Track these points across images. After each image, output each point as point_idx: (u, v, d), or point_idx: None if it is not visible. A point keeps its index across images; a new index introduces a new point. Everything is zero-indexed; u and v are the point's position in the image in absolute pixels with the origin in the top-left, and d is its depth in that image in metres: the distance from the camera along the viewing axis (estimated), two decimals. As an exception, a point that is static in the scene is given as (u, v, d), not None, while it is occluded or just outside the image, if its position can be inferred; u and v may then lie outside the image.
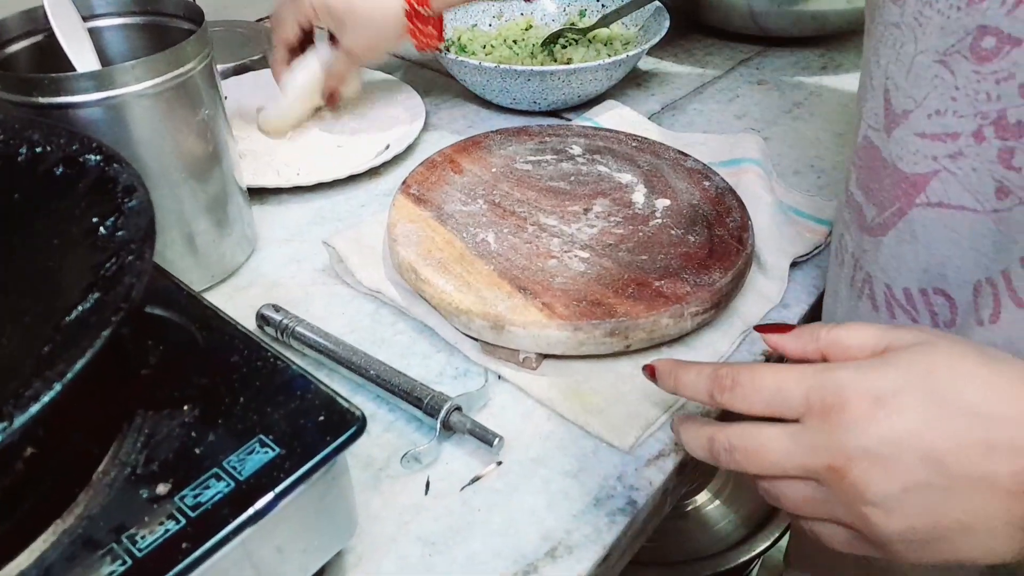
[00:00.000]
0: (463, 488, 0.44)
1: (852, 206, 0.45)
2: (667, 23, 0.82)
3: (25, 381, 0.26)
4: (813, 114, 0.80)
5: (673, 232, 0.56)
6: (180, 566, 0.29)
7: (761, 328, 0.39)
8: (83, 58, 0.53)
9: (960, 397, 0.31)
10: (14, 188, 0.38)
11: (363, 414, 0.34)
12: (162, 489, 0.31)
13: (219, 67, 0.79)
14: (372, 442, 0.46)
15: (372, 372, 0.48)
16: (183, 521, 0.30)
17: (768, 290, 0.56)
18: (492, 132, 0.68)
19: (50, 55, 0.53)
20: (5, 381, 0.27)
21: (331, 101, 0.76)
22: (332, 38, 0.73)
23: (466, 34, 0.88)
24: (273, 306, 0.53)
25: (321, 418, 0.34)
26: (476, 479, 0.44)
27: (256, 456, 0.32)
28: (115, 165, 0.37)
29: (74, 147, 0.38)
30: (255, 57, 0.85)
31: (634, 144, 0.66)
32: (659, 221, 0.57)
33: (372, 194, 0.69)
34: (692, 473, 0.47)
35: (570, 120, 0.78)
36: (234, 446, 0.33)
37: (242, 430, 0.33)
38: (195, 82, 0.52)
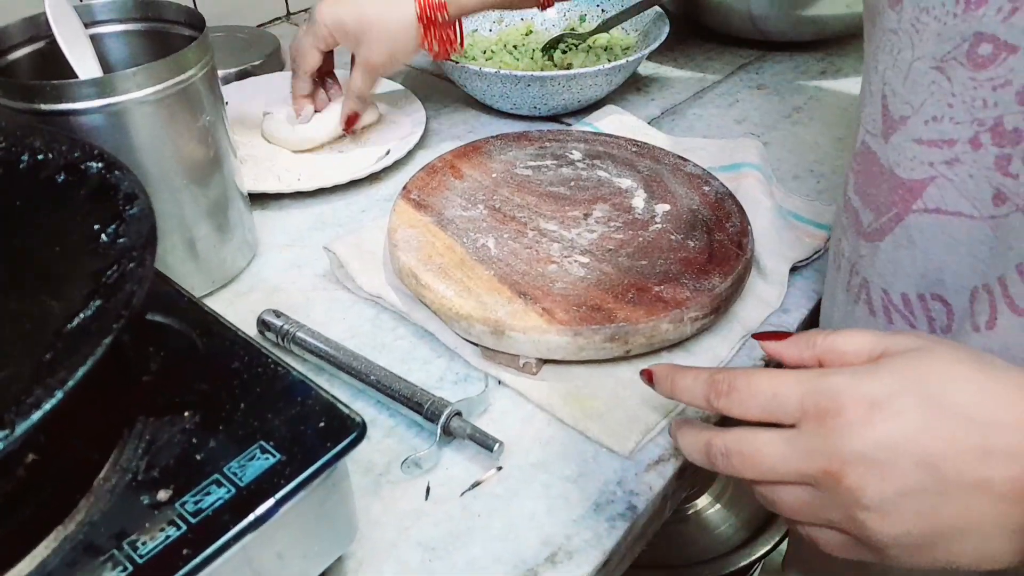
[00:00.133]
0: (463, 493, 0.44)
1: (849, 211, 0.45)
2: (667, 28, 0.82)
3: (27, 388, 0.26)
4: (813, 119, 0.80)
5: (673, 237, 0.56)
6: (181, 572, 0.29)
7: (759, 336, 0.39)
8: (85, 65, 0.53)
9: (956, 402, 0.31)
10: (15, 195, 0.38)
11: (363, 420, 0.35)
12: (163, 495, 0.31)
13: (220, 72, 0.79)
14: (372, 447, 0.46)
15: (372, 377, 0.48)
16: (184, 527, 0.30)
17: (768, 295, 0.56)
18: (492, 137, 0.68)
19: (52, 62, 0.53)
20: (7, 388, 0.27)
21: (350, 125, 0.74)
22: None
23: (466, 40, 0.88)
24: (274, 311, 0.53)
25: (321, 424, 0.34)
26: (476, 484, 0.44)
27: (257, 462, 0.32)
28: (116, 172, 0.37)
29: (75, 154, 0.38)
30: (256, 62, 0.86)
31: (634, 149, 0.67)
32: (659, 226, 0.57)
33: (373, 199, 0.69)
34: (692, 478, 0.47)
35: (570, 125, 0.79)
36: (235, 452, 0.33)
37: (243, 436, 0.33)
38: (196, 88, 0.52)
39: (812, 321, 0.57)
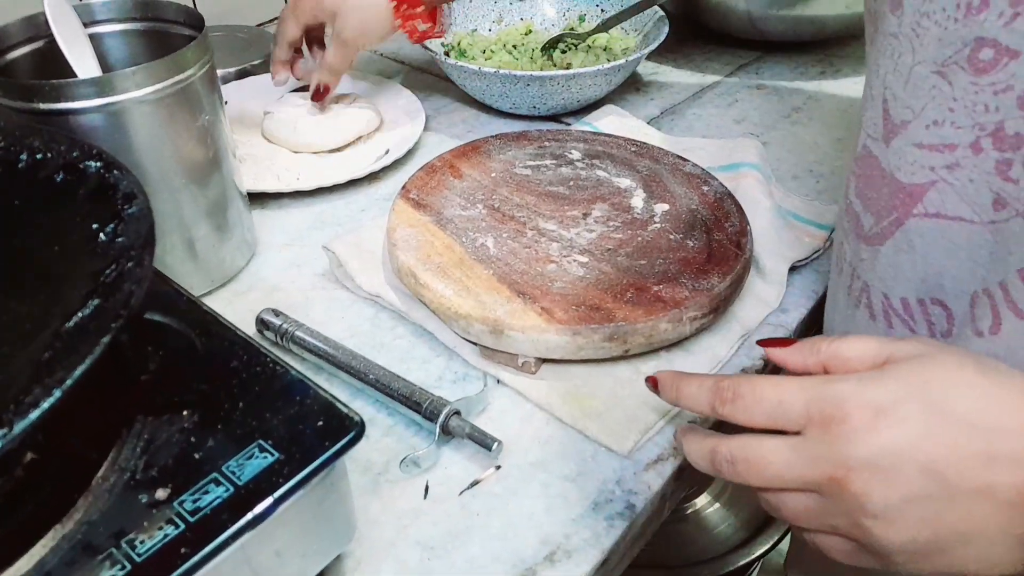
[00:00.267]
0: (462, 492, 0.44)
1: (851, 215, 0.45)
2: (666, 28, 0.82)
3: (25, 387, 0.26)
4: (812, 119, 0.80)
5: (672, 237, 0.56)
6: (179, 571, 0.29)
7: (763, 342, 0.39)
8: (84, 64, 0.53)
9: (960, 408, 0.31)
10: (14, 194, 0.38)
11: (362, 419, 0.35)
12: (161, 494, 0.31)
13: (220, 72, 0.79)
14: (371, 446, 0.46)
15: (371, 376, 0.48)
16: (182, 526, 0.30)
17: (767, 295, 0.56)
18: (491, 137, 0.68)
19: (51, 61, 0.53)
20: (5, 387, 0.27)
21: (318, 97, 0.74)
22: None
23: (466, 39, 0.89)
24: (273, 311, 0.53)
25: (320, 423, 0.34)
26: (475, 483, 0.44)
27: (255, 461, 0.32)
28: (115, 171, 0.37)
29: (74, 153, 0.38)
30: (256, 62, 0.86)
31: (633, 149, 0.67)
32: (658, 226, 0.57)
33: (372, 199, 0.69)
34: (691, 477, 0.47)
35: (569, 125, 0.79)
36: (233, 451, 0.33)
37: (241, 435, 0.34)
38: (196, 88, 0.52)
39: (811, 321, 0.57)
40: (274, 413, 0.35)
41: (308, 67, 0.76)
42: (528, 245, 0.55)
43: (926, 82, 0.37)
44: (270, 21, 1.05)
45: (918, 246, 0.40)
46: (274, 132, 0.75)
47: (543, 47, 0.87)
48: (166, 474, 0.32)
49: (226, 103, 0.58)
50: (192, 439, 0.33)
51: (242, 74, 0.85)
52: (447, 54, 0.85)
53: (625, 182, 0.62)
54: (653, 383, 0.41)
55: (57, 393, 0.26)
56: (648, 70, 0.91)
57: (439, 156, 0.65)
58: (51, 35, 0.52)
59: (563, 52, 0.86)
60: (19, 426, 0.25)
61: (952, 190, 0.37)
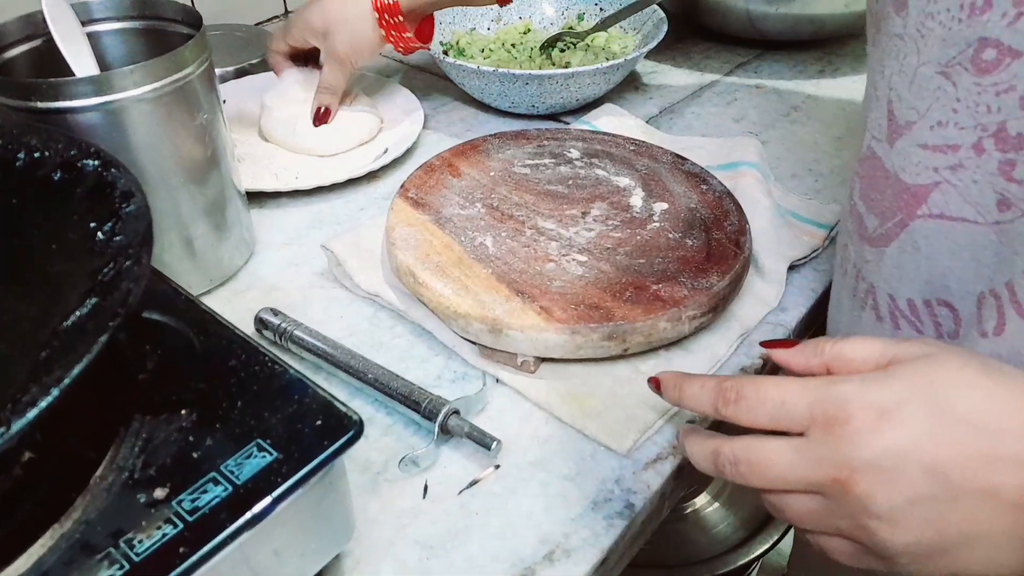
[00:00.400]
0: (461, 492, 0.44)
1: (855, 216, 0.45)
2: (665, 27, 0.82)
3: (23, 386, 0.26)
4: (811, 118, 0.80)
5: (671, 236, 0.56)
6: (178, 570, 0.29)
7: (766, 344, 0.39)
8: (82, 63, 0.53)
9: (964, 409, 0.31)
10: (12, 193, 0.38)
11: (361, 418, 0.35)
12: (160, 493, 0.31)
13: (218, 71, 0.79)
14: (370, 446, 0.46)
15: (370, 376, 0.48)
16: (181, 525, 0.30)
17: (766, 294, 0.56)
18: (490, 136, 0.68)
19: (49, 60, 0.53)
20: (3, 386, 0.27)
21: (320, 120, 0.74)
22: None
23: (464, 38, 0.89)
24: (271, 310, 0.53)
25: (319, 422, 0.34)
26: (474, 483, 0.44)
27: (254, 460, 0.32)
28: (113, 170, 0.37)
29: (72, 152, 0.38)
30: (254, 61, 0.85)
31: (632, 148, 0.67)
32: (657, 225, 0.57)
33: (370, 198, 0.69)
34: (690, 476, 0.47)
35: (568, 124, 0.79)
36: (232, 450, 0.33)
37: (240, 434, 0.33)
38: (194, 86, 0.52)
39: (810, 320, 0.57)
40: (273, 412, 0.34)
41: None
42: (527, 244, 0.55)
43: (931, 83, 0.37)
44: (268, 20, 1.05)
45: (923, 247, 0.40)
46: (272, 131, 0.74)
47: (542, 46, 0.87)
48: (164, 473, 0.32)
49: (224, 102, 0.58)
50: (190, 438, 0.33)
51: (240, 73, 0.84)
52: (446, 53, 0.85)
53: (624, 181, 0.62)
54: (655, 383, 0.40)
55: (55, 392, 0.26)
56: (647, 69, 0.91)
57: (438, 155, 0.65)
58: (49, 33, 0.52)
59: (562, 51, 0.86)
60: (17, 425, 0.25)
61: (956, 191, 0.37)
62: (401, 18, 0.70)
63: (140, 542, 0.29)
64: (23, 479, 0.31)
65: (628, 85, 0.86)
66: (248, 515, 0.31)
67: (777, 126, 0.79)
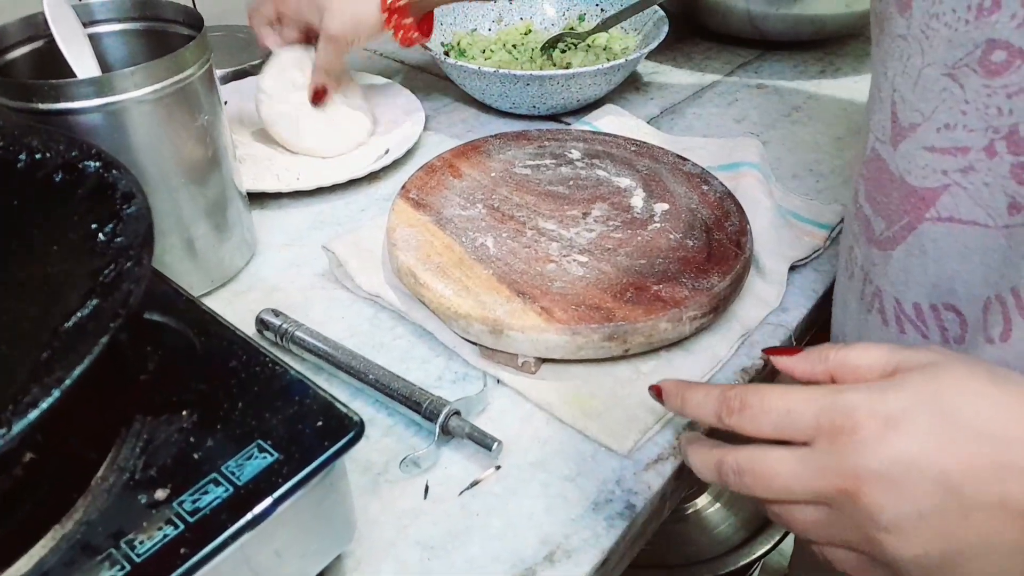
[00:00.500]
0: (462, 492, 0.44)
1: (861, 219, 0.45)
2: (666, 27, 0.82)
3: (24, 387, 0.26)
4: (812, 118, 0.80)
5: (672, 236, 0.56)
6: (179, 571, 0.29)
7: (770, 351, 0.38)
8: (83, 64, 0.53)
9: (970, 418, 0.30)
10: (13, 194, 0.38)
11: (361, 419, 0.35)
12: (160, 494, 0.31)
13: (219, 72, 0.79)
14: (371, 446, 0.46)
15: (371, 376, 0.48)
16: (182, 526, 0.30)
17: (767, 294, 0.56)
18: (491, 136, 0.68)
19: (50, 61, 0.53)
20: (4, 387, 0.27)
21: (317, 99, 0.73)
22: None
23: (465, 38, 0.89)
24: (272, 311, 0.53)
25: (320, 423, 0.34)
26: (475, 483, 0.44)
27: (254, 461, 0.32)
28: (114, 171, 0.37)
29: (73, 153, 0.38)
30: (255, 62, 0.86)
31: (633, 148, 0.67)
32: (658, 225, 0.57)
33: (371, 198, 0.69)
34: (691, 477, 0.47)
35: (569, 124, 0.79)
36: (232, 451, 0.33)
37: (240, 435, 0.33)
38: (195, 88, 0.52)
39: (811, 320, 0.57)
40: (273, 413, 0.34)
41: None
42: (528, 245, 0.55)
43: (936, 84, 0.37)
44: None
45: (930, 251, 0.39)
46: (273, 123, 0.73)
47: (543, 47, 0.87)
48: (165, 474, 0.32)
49: (225, 103, 0.58)
50: (191, 439, 0.33)
51: (240, 74, 0.85)
52: (447, 54, 0.85)
53: (625, 182, 0.62)
54: (656, 392, 0.40)
55: (56, 393, 0.26)
56: (648, 69, 0.91)
57: (439, 156, 0.65)
58: (50, 35, 0.52)
59: (563, 51, 0.86)
60: (18, 426, 0.25)
61: (966, 194, 0.37)
62: (410, 18, 0.68)
63: (141, 543, 0.29)
64: (24, 480, 0.31)
65: (629, 86, 0.86)
66: (249, 516, 0.31)
67: (778, 126, 0.79)
